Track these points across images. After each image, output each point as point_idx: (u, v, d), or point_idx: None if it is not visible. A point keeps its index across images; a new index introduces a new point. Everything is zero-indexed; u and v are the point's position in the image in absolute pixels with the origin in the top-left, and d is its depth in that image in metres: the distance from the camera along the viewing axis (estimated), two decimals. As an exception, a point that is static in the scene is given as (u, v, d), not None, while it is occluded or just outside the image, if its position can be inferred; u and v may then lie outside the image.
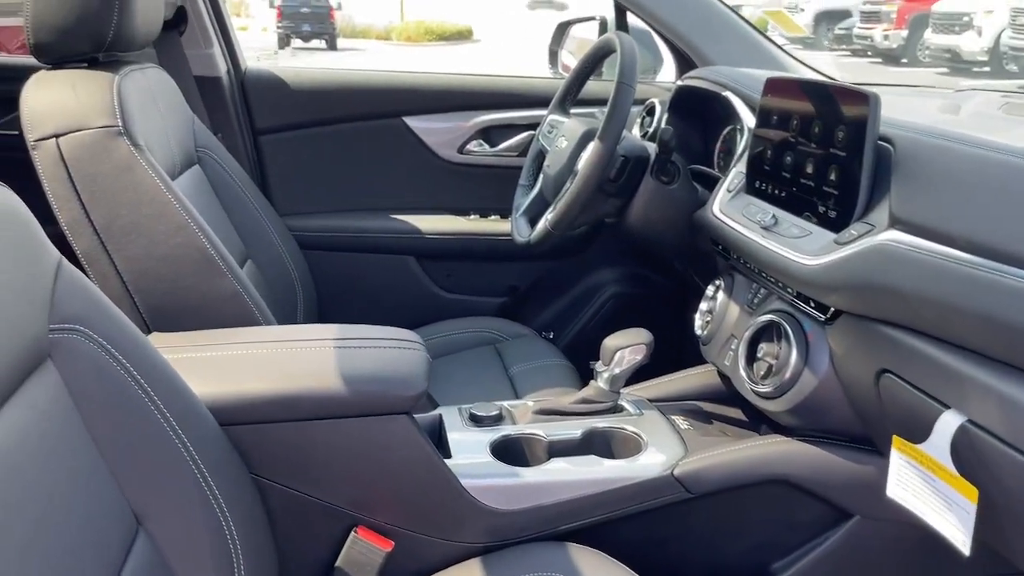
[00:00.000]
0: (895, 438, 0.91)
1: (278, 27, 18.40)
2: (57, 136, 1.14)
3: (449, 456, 1.10)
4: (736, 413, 1.28)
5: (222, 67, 1.71)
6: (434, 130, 1.86)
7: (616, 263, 1.96)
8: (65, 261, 0.80)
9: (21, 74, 1.20)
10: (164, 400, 0.84)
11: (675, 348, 1.59)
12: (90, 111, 1.15)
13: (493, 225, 1.88)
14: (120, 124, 1.15)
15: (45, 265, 0.76)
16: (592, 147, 1.37)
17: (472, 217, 1.91)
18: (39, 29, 1.16)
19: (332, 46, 18.65)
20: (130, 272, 1.18)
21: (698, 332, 1.33)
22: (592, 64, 1.59)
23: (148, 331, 1.21)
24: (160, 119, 1.33)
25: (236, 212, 1.55)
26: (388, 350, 1.09)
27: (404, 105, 1.84)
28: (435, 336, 1.73)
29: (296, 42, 18.39)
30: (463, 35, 22.74)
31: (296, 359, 1.06)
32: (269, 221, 1.61)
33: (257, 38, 19.51)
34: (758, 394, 1.12)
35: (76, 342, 0.78)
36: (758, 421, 1.24)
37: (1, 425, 0.66)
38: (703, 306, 1.34)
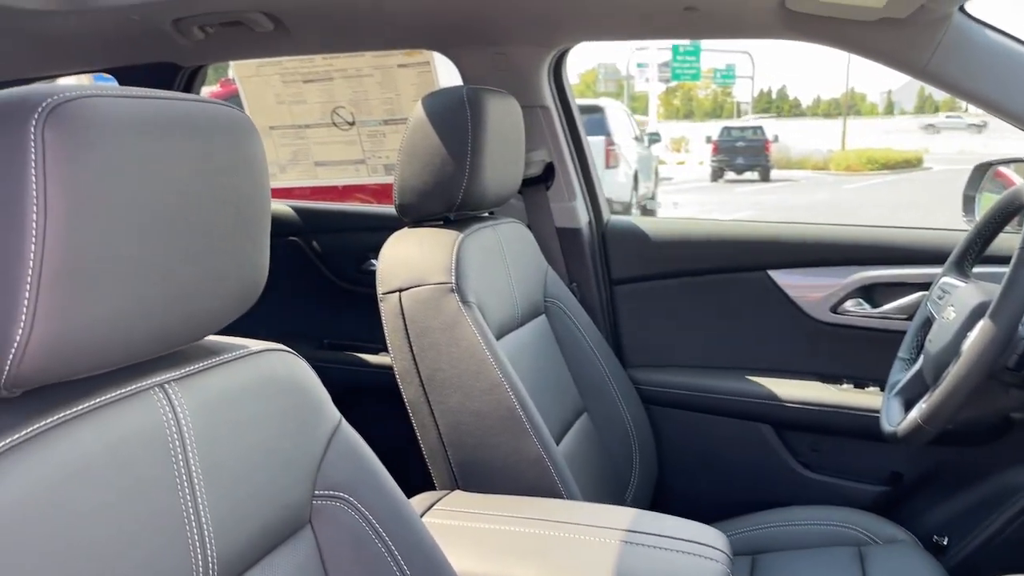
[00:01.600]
0: None
1: (712, 161, 19.13)
2: (400, 291, 1.23)
3: None
4: None
5: (583, 219, 1.74)
6: (804, 286, 1.66)
7: None
8: (344, 424, 0.82)
9: (395, 224, 1.34)
10: None
11: None
12: (430, 268, 1.22)
13: (870, 399, 1.59)
14: (453, 281, 1.21)
15: (320, 432, 0.78)
16: (981, 326, 1.08)
17: (845, 386, 1.64)
18: (403, 192, 1.29)
19: (765, 178, 18.74)
20: (446, 425, 1.21)
21: None
22: (1000, 219, 1.28)
23: (456, 486, 1.21)
24: (504, 273, 1.37)
25: (577, 363, 1.53)
26: (680, 556, 0.95)
27: (770, 257, 1.68)
28: (786, 523, 1.49)
29: (729, 174, 18.85)
30: (911, 163, 21.21)
31: (572, 550, 0.97)
32: (611, 374, 1.56)
33: (693, 171, 20.45)
34: None
35: (338, 510, 0.78)
36: None
37: None
38: None
